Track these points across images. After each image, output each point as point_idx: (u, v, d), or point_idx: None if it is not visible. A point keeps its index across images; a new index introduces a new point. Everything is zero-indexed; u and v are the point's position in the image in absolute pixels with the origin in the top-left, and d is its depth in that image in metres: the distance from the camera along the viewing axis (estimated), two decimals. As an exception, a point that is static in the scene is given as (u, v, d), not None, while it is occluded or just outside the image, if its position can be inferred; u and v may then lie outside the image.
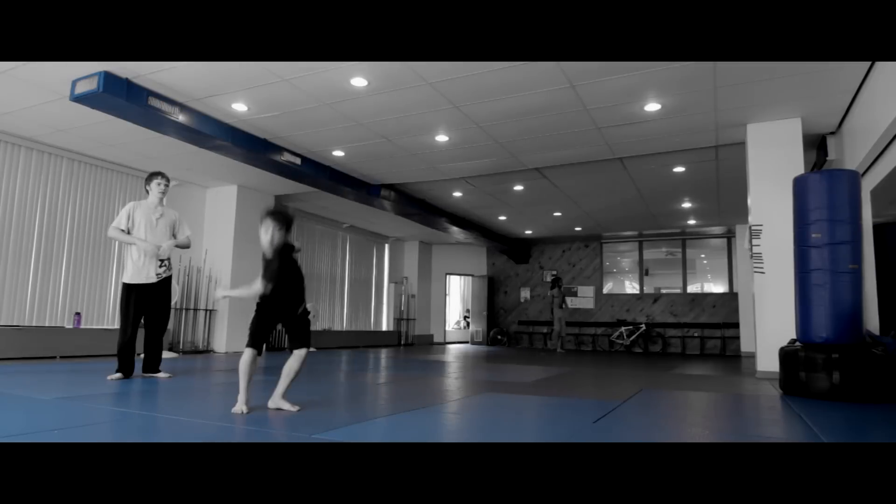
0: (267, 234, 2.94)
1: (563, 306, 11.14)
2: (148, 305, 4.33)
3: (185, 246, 4.65)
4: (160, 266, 4.39)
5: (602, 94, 5.03)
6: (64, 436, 2.23)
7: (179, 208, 8.28)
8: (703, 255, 12.87)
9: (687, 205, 9.40)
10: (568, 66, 4.50)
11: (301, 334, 3.03)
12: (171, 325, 7.84)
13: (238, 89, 5.09)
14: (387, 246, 13.05)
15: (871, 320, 4.99)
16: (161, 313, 4.45)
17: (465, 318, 15.41)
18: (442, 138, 6.29)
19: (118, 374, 4.17)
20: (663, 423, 2.93)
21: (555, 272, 13.72)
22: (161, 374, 4.39)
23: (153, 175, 4.50)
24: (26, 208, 6.50)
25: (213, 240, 8.47)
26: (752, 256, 5.54)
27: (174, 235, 4.57)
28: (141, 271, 4.31)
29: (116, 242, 7.40)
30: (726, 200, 8.93)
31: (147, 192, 4.50)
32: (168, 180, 4.54)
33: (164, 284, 4.45)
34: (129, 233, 4.35)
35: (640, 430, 2.69)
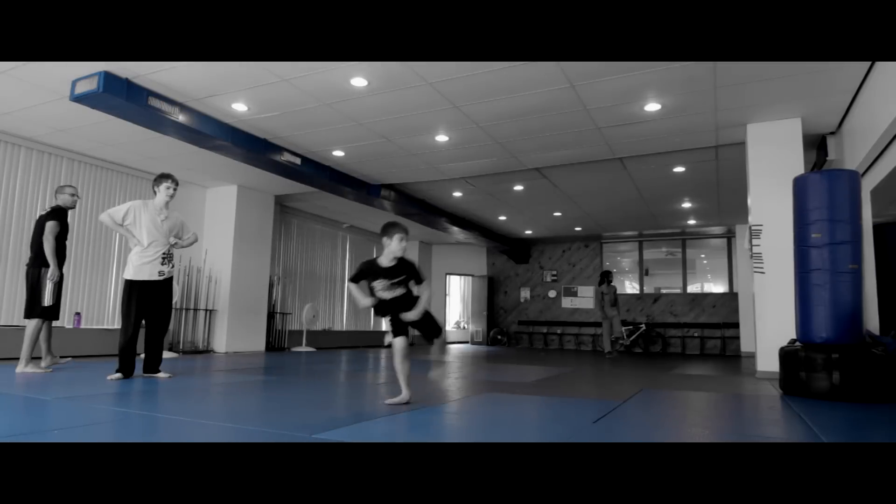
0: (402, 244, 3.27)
1: (616, 304, 9.91)
2: (150, 304, 4.33)
3: (192, 243, 4.71)
4: (163, 264, 4.39)
5: (602, 94, 5.03)
6: (64, 436, 2.23)
7: (179, 208, 8.28)
8: (703, 255, 12.87)
9: (687, 205, 9.40)
10: (568, 66, 4.50)
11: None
12: (171, 325, 7.84)
13: (238, 89, 5.09)
14: (387, 246, 13.04)
15: (871, 320, 4.99)
16: (163, 313, 4.45)
17: (461, 324, 15.37)
18: (442, 138, 6.29)
19: (118, 374, 4.17)
20: (663, 423, 2.93)
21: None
22: (161, 375, 4.39)
23: (163, 177, 4.49)
24: (26, 208, 6.50)
25: (213, 240, 8.47)
26: (752, 256, 5.54)
27: (178, 237, 4.58)
28: (143, 269, 4.30)
29: (116, 242, 7.40)
30: (726, 200, 8.93)
31: (154, 192, 4.49)
32: (177, 183, 4.54)
33: (167, 284, 4.45)
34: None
35: (640, 430, 2.69)
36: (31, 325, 4.69)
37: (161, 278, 4.38)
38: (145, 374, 4.38)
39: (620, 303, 12.95)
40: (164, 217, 4.44)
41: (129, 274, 4.31)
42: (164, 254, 4.40)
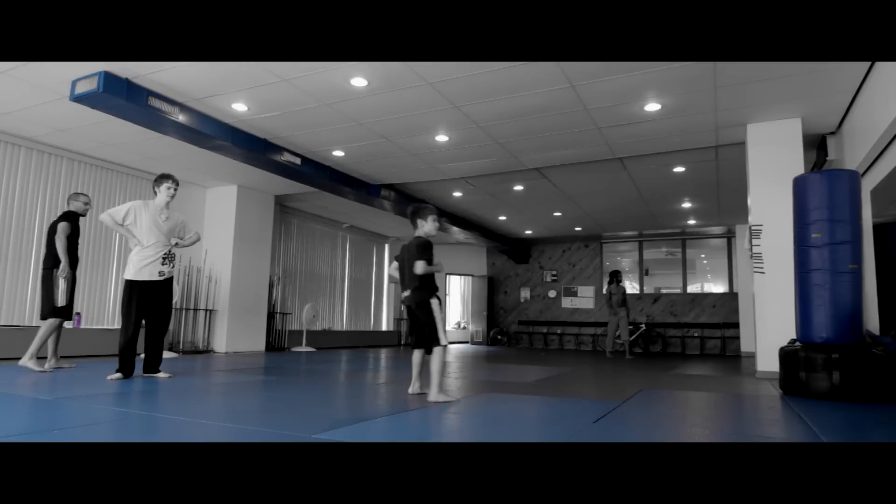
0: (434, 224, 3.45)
1: (624, 305, 9.45)
2: (150, 304, 4.34)
3: (193, 243, 4.69)
4: (163, 264, 4.39)
5: (602, 94, 5.03)
6: (64, 436, 2.23)
7: (180, 208, 8.28)
8: (703, 255, 12.87)
9: (687, 205, 9.40)
10: (568, 66, 4.50)
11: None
12: (171, 325, 7.83)
13: (238, 89, 5.09)
14: (387, 246, 13.05)
15: (871, 320, 4.99)
16: (163, 313, 4.46)
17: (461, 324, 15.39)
18: (442, 138, 6.29)
19: (118, 374, 4.17)
20: (663, 423, 2.93)
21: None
22: (161, 374, 4.39)
23: (163, 177, 4.49)
24: (26, 208, 6.50)
25: (214, 240, 8.47)
26: (752, 256, 5.54)
27: (179, 237, 4.59)
28: (144, 269, 4.31)
29: (116, 242, 7.40)
30: (726, 200, 8.93)
31: (155, 193, 4.50)
32: (177, 184, 4.55)
33: (167, 284, 4.46)
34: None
35: (640, 430, 2.69)
36: (46, 324, 4.78)
37: (161, 278, 4.38)
38: (145, 375, 4.38)
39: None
40: (165, 217, 4.44)
41: (130, 274, 4.31)
42: (164, 254, 4.40)
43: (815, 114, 5.35)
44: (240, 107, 5.48)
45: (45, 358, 5.01)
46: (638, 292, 13.02)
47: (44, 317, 4.81)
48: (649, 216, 10.38)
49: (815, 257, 4.07)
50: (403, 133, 6.16)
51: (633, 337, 12.20)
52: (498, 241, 12.66)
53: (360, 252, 12.13)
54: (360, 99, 5.23)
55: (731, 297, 11.75)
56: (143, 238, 4.33)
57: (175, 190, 4.50)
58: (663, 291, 12.80)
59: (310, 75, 4.77)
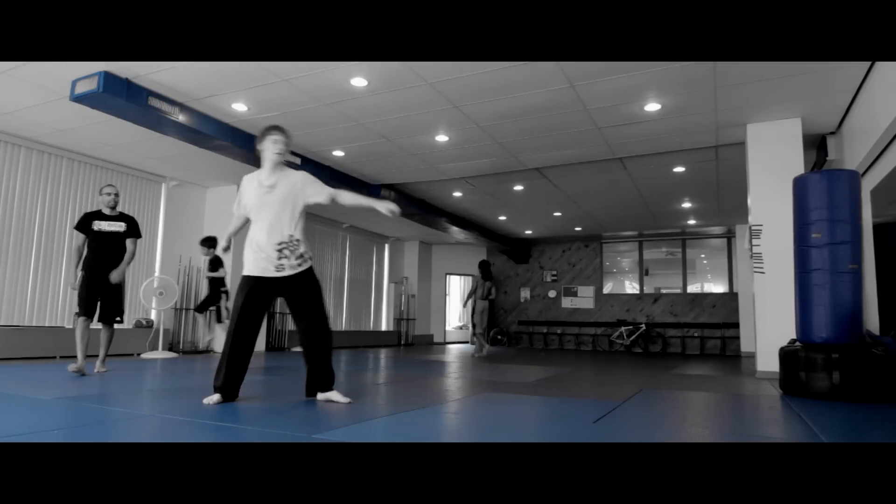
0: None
1: (486, 298, 9.17)
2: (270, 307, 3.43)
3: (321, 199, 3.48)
4: (281, 256, 3.30)
5: (602, 94, 5.03)
6: (64, 436, 2.23)
7: (179, 208, 8.30)
8: (703, 255, 12.87)
9: (687, 205, 9.40)
10: (568, 66, 4.50)
11: None
12: (171, 326, 7.84)
13: (238, 89, 5.09)
14: (387, 246, 13.05)
15: (871, 320, 4.99)
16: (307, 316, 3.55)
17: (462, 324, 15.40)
18: (442, 138, 6.29)
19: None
20: (663, 423, 2.93)
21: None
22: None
23: (266, 130, 3.37)
24: (26, 208, 6.50)
25: (213, 240, 8.46)
26: (752, 256, 5.54)
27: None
28: (259, 262, 3.35)
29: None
30: (726, 200, 8.93)
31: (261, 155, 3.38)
32: (286, 135, 3.37)
33: (295, 281, 3.45)
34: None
35: (640, 430, 2.69)
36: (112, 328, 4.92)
37: (280, 274, 3.32)
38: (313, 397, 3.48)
39: (621, 302, 13.01)
40: (270, 184, 3.28)
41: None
42: (278, 242, 3.29)
43: (815, 114, 5.35)
44: (240, 107, 5.48)
45: (75, 357, 4.91)
46: (638, 292, 13.02)
47: (118, 321, 4.85)
48: (649, 216, 10.38)
49: (815, 257, 4.07)
50: (403, 133, 6.16)
51: (634, 337, 12.22)
52: (498, 241, 12.66)
53: (360, 252, 12.13)
54: (360, 99, 5.23)
55: (731, 297, 11.75)
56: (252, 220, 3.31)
57: (284, 145, 3.30)
58: (663, 291, 12.80)
59: (310, 75, 4.77)
